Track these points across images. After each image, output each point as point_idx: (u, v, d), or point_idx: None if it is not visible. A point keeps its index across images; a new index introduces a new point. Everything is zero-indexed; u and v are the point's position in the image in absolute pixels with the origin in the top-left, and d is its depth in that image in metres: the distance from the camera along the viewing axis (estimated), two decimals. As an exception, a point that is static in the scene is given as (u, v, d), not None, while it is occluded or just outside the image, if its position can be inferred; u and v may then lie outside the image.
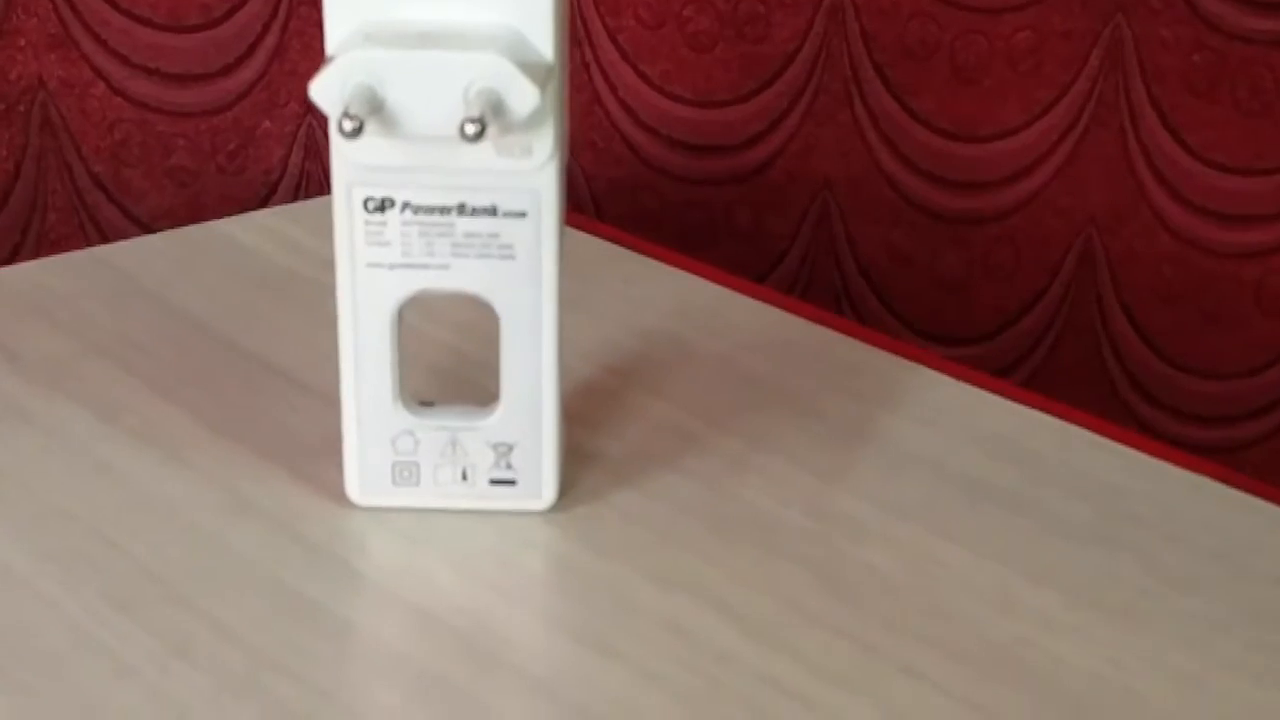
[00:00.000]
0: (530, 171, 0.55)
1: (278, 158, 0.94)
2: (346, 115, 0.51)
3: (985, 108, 1.04)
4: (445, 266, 0.56)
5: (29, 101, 0.89)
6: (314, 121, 0.94)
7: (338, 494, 0.59)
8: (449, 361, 0.70)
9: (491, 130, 0.52)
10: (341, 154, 0.55)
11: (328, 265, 0.75)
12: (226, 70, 0.91)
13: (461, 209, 0.55)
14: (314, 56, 0.92)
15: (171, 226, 0.92)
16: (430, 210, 0.55)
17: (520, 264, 0.56)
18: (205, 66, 0.91)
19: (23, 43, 0.87)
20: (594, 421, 0.66)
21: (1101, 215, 1.07)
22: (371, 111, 0.52)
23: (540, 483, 0.59)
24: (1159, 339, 1.10)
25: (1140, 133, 1.05)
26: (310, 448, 0.63)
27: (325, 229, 0.80)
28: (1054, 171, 1.06)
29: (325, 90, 0.52)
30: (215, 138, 0.92)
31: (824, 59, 1.01)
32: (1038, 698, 0.51)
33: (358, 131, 0.51)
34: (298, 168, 0.95)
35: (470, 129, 0.51)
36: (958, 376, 0.70)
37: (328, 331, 0.70)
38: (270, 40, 0.91)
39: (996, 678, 0.52)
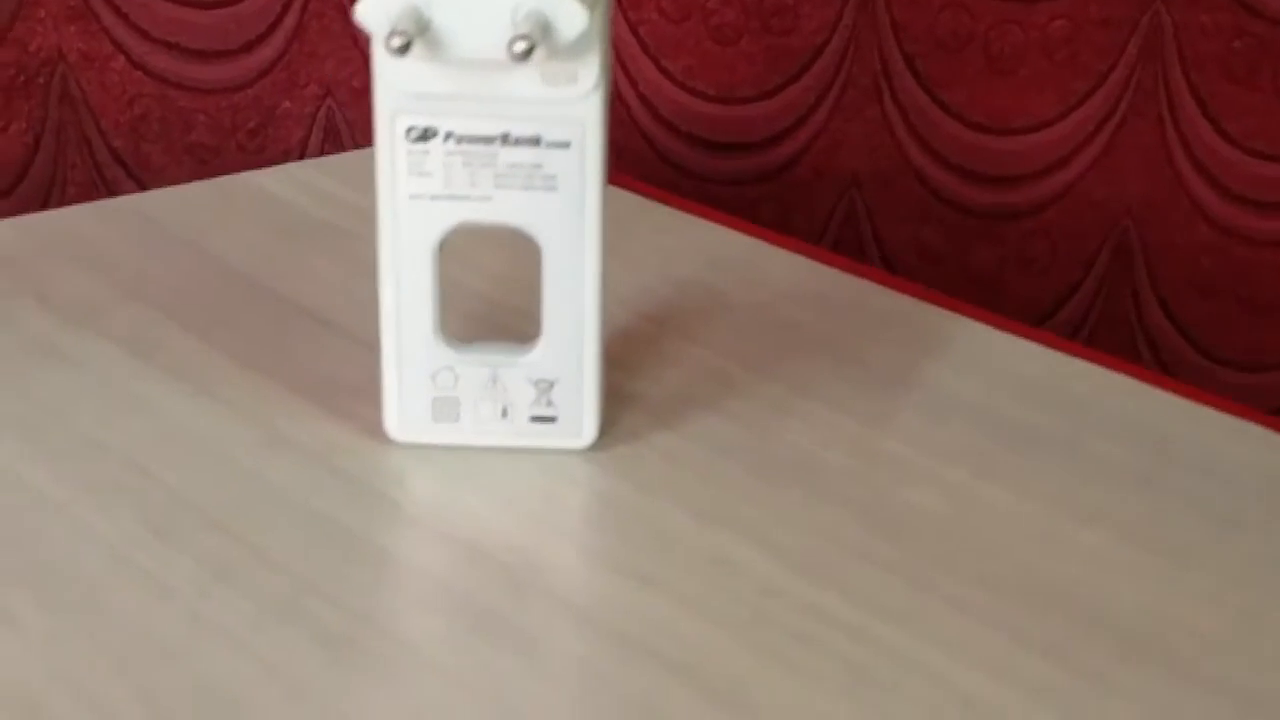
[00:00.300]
0: (575, 100, 0.57)
1: (297, 139, 0.96)
2: (394, 32, 0.53)
3: (1019, 99, 1.05)
4: (487, 198, 0.58)
5: (48, 74, 0.91)
6: (333, 104, 0.96)
7: (375, 431, 0.61)
8: (483, 309, 0.72)
9: (539, 54, 0.54)
10: (386, 81, 0.57)
11: (359, 215, 0.77)
12: (247, 47, 0.93)
13: (505, 139, 0.57)
14: (333, 39, 0.94)
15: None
16: (474, 140, 0.57)
17: (563, 195, 0.58)
18: (226, 43, 0.93)
19: (43, 14, 0.89)
20: (632, 365, 0.68)
21: (1138, 207, 1.09)
22: (418, 32, 0.54)
23: (581, 420, 0.61)
24: (1196, 331, 1.12)
25: (1179, 122, 1.07)
26: (346, 388, 0.65)
27: (356, 180, 0.83)
28: (1090, 163, 1.08)
29: (372, 10, 0.54)
30: (236, 115, 0.94)
31: (853, 51, 1.03)
32: (1089, 631, 0.53)
33: (405, 48, 0.53)
34: (317, 150, 0.97)
35: (520, 46, 0.53)
36: (998, 326, 0.72)
37: (360, 278, 0.73)
38: (290, 20, 0.93)
39: (1047, 612, 0.54)
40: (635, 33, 1.00)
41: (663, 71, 1.01)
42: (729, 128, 1.03)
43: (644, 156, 1.03)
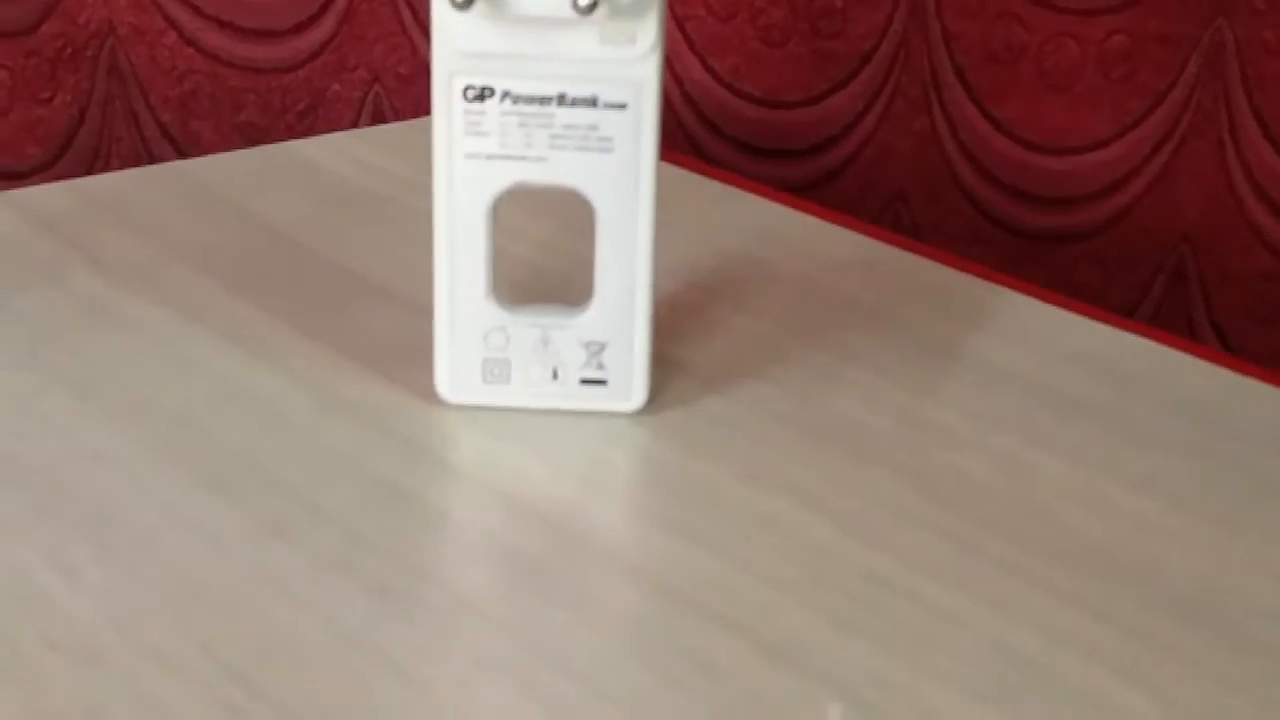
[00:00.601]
0: (633, 61, 0.59)
1: (346, 123, 0.99)
2: (459, -16, 0.56)
3: (1074, 117, 1.06)
4: (543, 159, 0.61)
5: (97, 47, 0.94)
6: (381, 90, 0.99)
7: (427, 394, 0.64)
8: (530, 278, 0.74)
9: (601, 10, 0.57)
10: (445, 40, 0.59)
11: (406, 185, 0.80)
12: (298, 29, 0.96)
13: (561, 99, 0.60)
14: (381, 24, 0.97)
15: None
16: (530, 100, 0.60)
17: (618, 157, 0.61)
18: (278, 23, 0.96)
19: (94, -13, 0.92)
20: (680, 333, 0.70)
21: (1196, 233, 1.09)
22: (482, -14, 0.57)
23: (631, 384, 0.63)
24: (1254, 363, 1.13)
25: (1240, 145, 1.07)
26: (396, 351, 0.67)
27: (403, 152, 0.87)
28: (1146, 186, 1.08)
29: (437, -37, 0.57)
30: (285, 96, 0.97)
31: (902, 60, 1.04)
32: (1139, 593, 0.55)
33: (470, 2, 0.56)
34: (365, 137, 0.99)
35: (584, 0, 0.56)
36: (1046, 299, 0.75)
37: (409, 245, 0.75)
38: (340, 2, 0.96)
39: (1098, 574, 0.56)
40: (682, 28, 1.01)
41: (709, 70, 1.03)
42: (774, 133, 1.05)
43: (686, 158, 1.05)
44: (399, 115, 0.98)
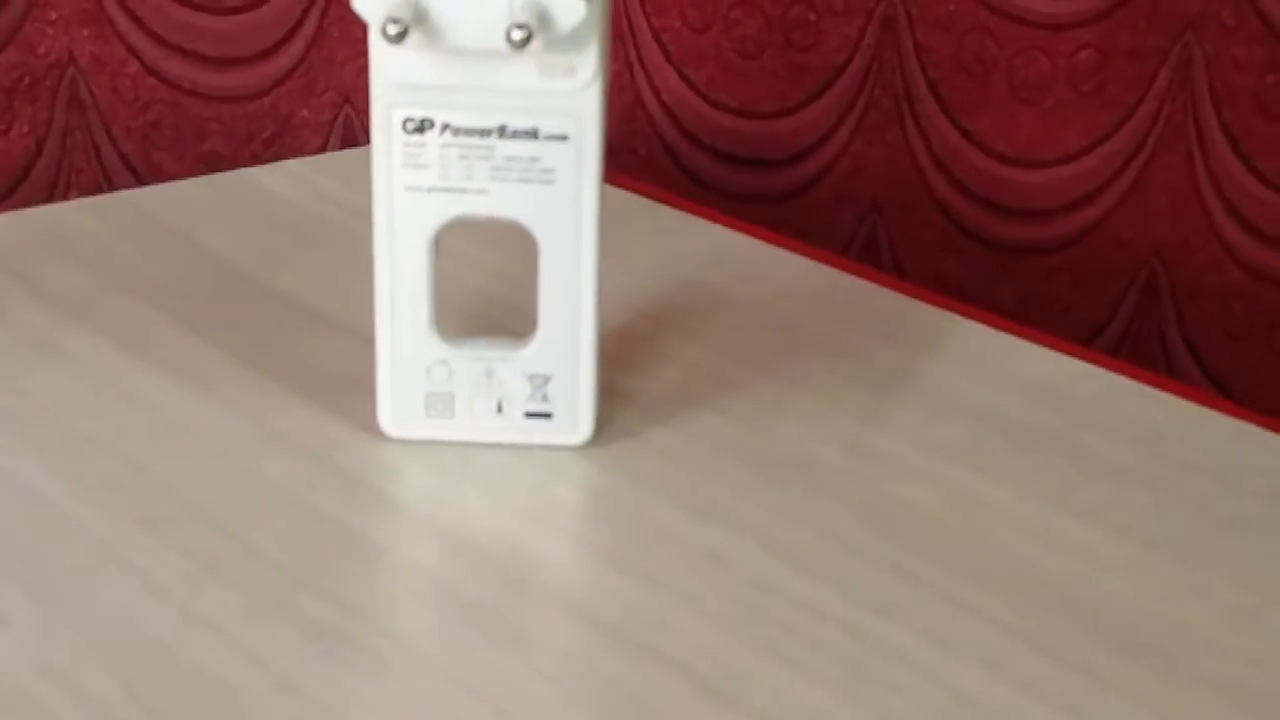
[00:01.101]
0: (573, 92, 0.58)
1: (314, 148, 0.97)
2: (390, 19, 0.54)
3: (1045, 130, 1.05)
4: (484, 191, 0.59)
5: (56, 77, 0.92)
6: (351, 112, 0.97)
7: (370, 427, 0.62)
8: (480, 307, 0.73)
9: (536, 44, 0.55)
10: (382, 73, 0.58)
11: (358, 213, 0.78)
12: (264, 55, 0.95)
13: (502, 131, 0.59)
14: (353, 44, 0.95)
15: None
16: (470, 132, 0.59)
17: (560, 189, 0.59)
18: (242, 50, 0.94)
19: (54, 16, 0.91)
20: (628, 363, 0.69)
21: (1166, 247, 1.09)
22: (415, 20, 0.55)
23: (576, 416, 0.62)
24: (1225, 378, 1.11)
25: (1209, 159, 1.07)
26: (341, 383, 0.66)
27: (355, 179, 0.85)
28: (1117, 200, 1.08)
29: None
30: (251, 124, 0.95)
31: (875, 72, 1.03)
32: (1085, 627, 0.53)
33: (402, 36, 0.54)
34: (333, 162, 0.98)
35: (517, 34, 0.54)
36: (997, 326, 0.73)
37: (358, 274, 0.74)
38: (309, 26, 0.95)
39: (1043, 608, 0.54)
40: (659, 39, 1.00)
41: (685, 81, 1.01)
42: (751, 143, 1.04)
43: (664, 167, 1.04)
44: (370, 137, 0.97)
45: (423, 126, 0.59)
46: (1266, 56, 1.03)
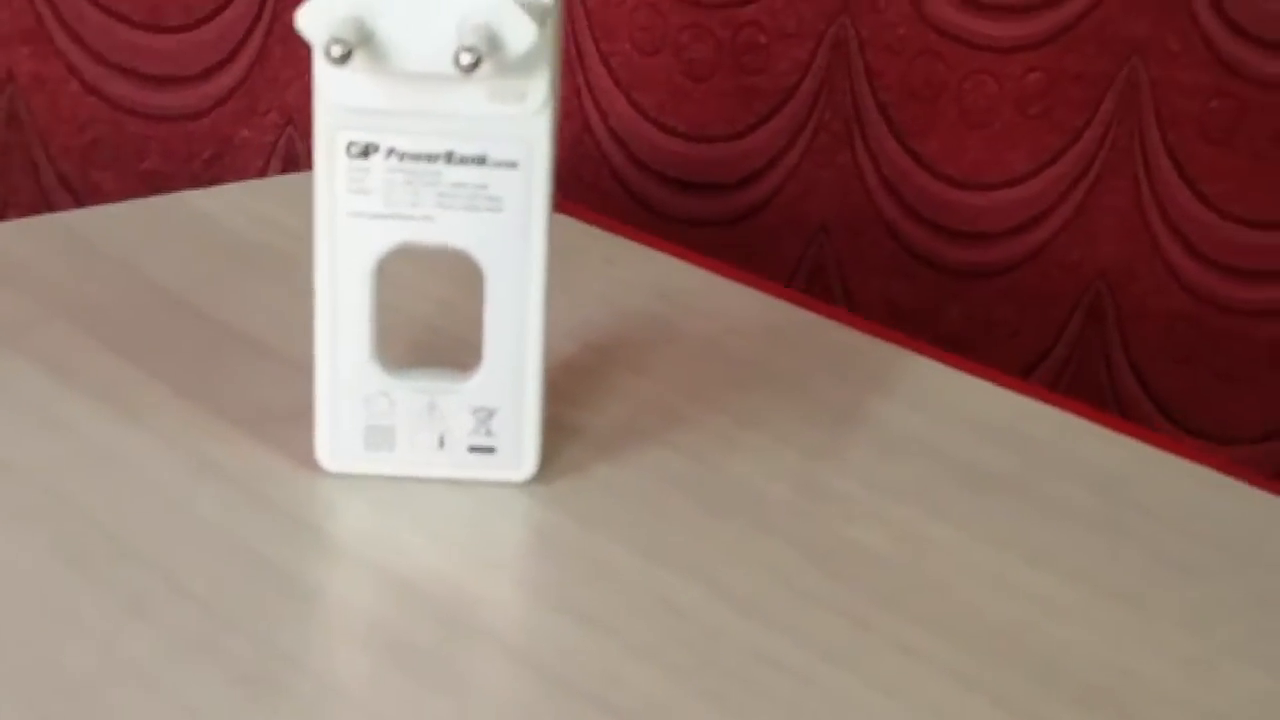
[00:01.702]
0: (523, 118, 0.55)
1: (255, 169, 0.95)
2: (334, 40, 0.52)
3: (992, 154, 1.04)
4: (429, 218, 0.57)
5: (-5, 95, 0.90)
6: (294, 133, 0.94)
7: (307, 460, 0.59)
8: (426, 337, 0.70)
9: (486, 68, 0.52)
10: (326, 95, 0.55)
11: (298, 239, 0.75)
12: (206, 74, 0.92)
13: (449, 157, 0.56)
14: (297, 64, 0.93)
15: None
16: (416, 157, 0.56)
17: (508, 217, 0.57)
18: (184, 69, 0.91)
19: (-8, 34, 0.88)
20: (575, 397, 0.66)
21: (1112, 270, 1.08)
22: (360, 42, 0.53)
23: (520, 451, 0.59)
24: (1169, 400, 1.11)
25: (1154, 183, 1.06)
26: (279, 414, 0.63)
27: (297, 204, 0.81)
28: (1063, 223, 1.07)
29: (312, 19, 0.53)
30: (191, 144, 0.93)
31: (825, 95, 1.02)
32: (1038, 677, 0.51)
33: (346, 57, 0.52)
34: (275, 182, 0.95)
35: (466, 58, 0.52)
36: (950, 364, 0.71)
37: (298, 301, 0.71)
38: (253, 45, 0.92)
39: (993, 656, 0.52)
40: (607, 64, 0.98)
41: (634, 105, 0.99)
42: (700, 168, 1.02)
43: (613, 193, 1.02)
44: (312, 158, 0.94)
45: (367, 151, 0.56)
46: (1212, 82, 1.03)
